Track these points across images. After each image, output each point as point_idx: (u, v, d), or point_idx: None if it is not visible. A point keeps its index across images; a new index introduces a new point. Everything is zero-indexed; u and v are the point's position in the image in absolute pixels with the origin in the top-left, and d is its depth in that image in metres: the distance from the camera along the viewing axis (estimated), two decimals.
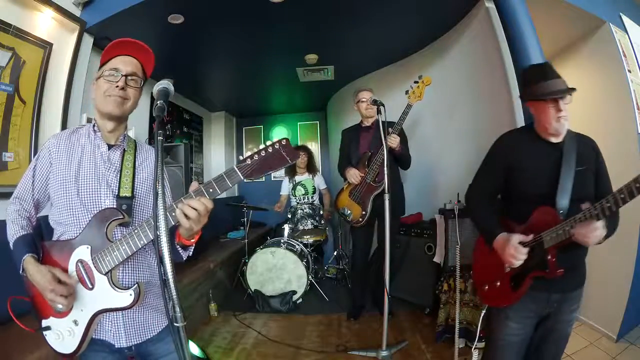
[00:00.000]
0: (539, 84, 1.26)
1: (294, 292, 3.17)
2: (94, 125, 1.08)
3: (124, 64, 1.04)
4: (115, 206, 1.00)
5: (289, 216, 3.81)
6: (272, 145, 0.87)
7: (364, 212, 2.65)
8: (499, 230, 1.30)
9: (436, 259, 2.62)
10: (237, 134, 5.83)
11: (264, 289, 3.19)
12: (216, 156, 5.31)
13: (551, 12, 2.32)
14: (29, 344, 1.43)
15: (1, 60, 1.87)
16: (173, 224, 0.89)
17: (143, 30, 2.57)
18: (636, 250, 2.18)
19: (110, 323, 1.00)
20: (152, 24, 2.52)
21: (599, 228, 1.09)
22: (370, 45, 3.14)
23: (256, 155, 0.87)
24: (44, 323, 0.99)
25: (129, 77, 1.03)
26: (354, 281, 3.02)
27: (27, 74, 2.02)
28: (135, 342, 1.02)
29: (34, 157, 2.01)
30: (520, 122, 2.05)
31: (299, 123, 5.67)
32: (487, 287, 1.40)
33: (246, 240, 3.55)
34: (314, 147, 5.53)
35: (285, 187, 4.06)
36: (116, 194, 1.02)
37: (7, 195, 1.83)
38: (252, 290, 3.21)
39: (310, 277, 3.24)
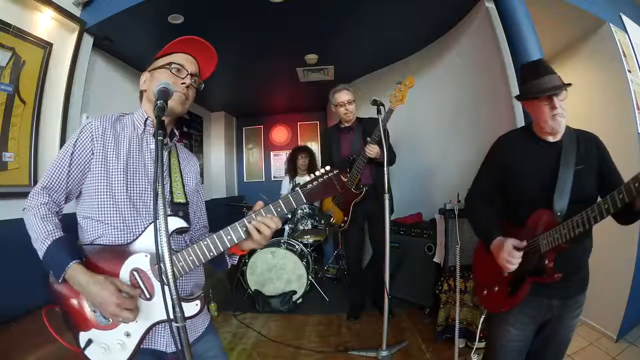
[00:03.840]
0: (531, 82, 1.22)
1: (294, 292, 3.16)
2: (146, 119, 1.00)
3: (188, 62, 1.00)
4: (170, 212, 0.93)
5: (289, 216, 3.81)
6: (327, 173, 0.95)
7: (345, 218, 2.67)
8: (497, 234, 1.26)
9: (436, 259, 2.62)
10: (237, 134, 5.83)
11: (264, 289, 3.19)
12: (216, 156, 5.31)
13: (551, 12, 2.32)
14: (29, 344, 1.43)
15: (1, 60, 1.87)
16: (236, 241, 0.92)
17: (143, 30, 2.57)
18: (636, 250, 2.17)
19: (163, 330, 0.95)
20: (152, 24, 2.52)
21: None
22: (370, 45, 3.14)
23: (315, 182, 0.95)
24: (84, 336, 0.88)
25: (193, 77, 1.00)
26: (352, 281, 3.03)
27: (27, 74, 2.02)
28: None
29: (34, 156, 2.04)
30: (520, 122, 2.04)
31: (299, 123, 5.67)
32: (486, 292, 1.37)
33: None
34: (314, 147, 5.52)
35: (285, 187, 4.06)
36: (169, 198, 0.96)
37: (7, 195, 1.85)
38: (252, 290, 3.21)
39: (310, 277, 3.24)
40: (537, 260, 1.17)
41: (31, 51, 2.03)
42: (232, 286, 3.54)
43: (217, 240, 0.91)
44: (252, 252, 3.31)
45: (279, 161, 5.54)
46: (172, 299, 0.73)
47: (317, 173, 0.95)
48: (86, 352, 0.88)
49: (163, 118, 0.94)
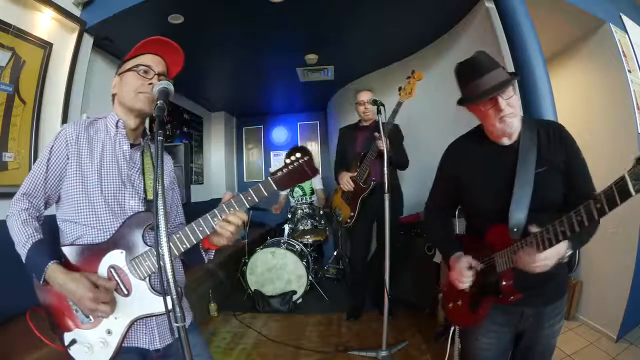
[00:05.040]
0: (469, 85, 1.08)
1: (294, 292, 3.16)
2: (117, 121, 1.02)
3: (155, 63, 1.02)
4: (144, 209, 0.98)
5: (289, 216, 3.81)
6: (297, 160, 0.94)
7: (352, 214, 2.66)
8: (454, 250, 1.18)
9: (436, 259, 2.62)
10: (237, 134, 5.84)
11: (264, 289, 3.19)
12: (216, 156, 5.31)
13: (551, 12, 2.32)
14: (29, 344, 1.43)
15: (1, 60, 1.87)
16: (208, 232, 0.92)
17: (143, 30, 2.57)
18: (636, 250, 2.17)
19: (144, 327, 0.97)
20: (152, 24, 2.52)
21: (547, 258, 0.88)
22: (370, 45, 3.14)
23: (285, 169, 0.93)
24: (68, 336, 0.91)
25: (160, 77, 1.02)
26: (353, 281, 3.02)
27: (27, 74, 2.02)
28: (168, 343, 1.01)
29: (34, 156, 2.04)
30: None
31: (299, 123, 5.67)
32: (451, 305, 1.29)
33: (246, 241, 3.55)
34: (314, 147, 5.53)
35: None
36: (143, 196, 1.00)
37: (7, 195, 1.84)
38: (252, 290, 3.21)
39: (310, 277, 3.24)
40: (495, 279, 1.07)
41: (31, 51, 2.03)
42: (232, 286, 3.54)
43: (189, 233, 0.92)
44: (252, 252, 3.32)
45: (279, 161, 5.54)
46: (172, 299, 0.73)
47: (287, 160, 0.94)
48: (71, 352, 0.91)
49: (136, 119, 1.03)
